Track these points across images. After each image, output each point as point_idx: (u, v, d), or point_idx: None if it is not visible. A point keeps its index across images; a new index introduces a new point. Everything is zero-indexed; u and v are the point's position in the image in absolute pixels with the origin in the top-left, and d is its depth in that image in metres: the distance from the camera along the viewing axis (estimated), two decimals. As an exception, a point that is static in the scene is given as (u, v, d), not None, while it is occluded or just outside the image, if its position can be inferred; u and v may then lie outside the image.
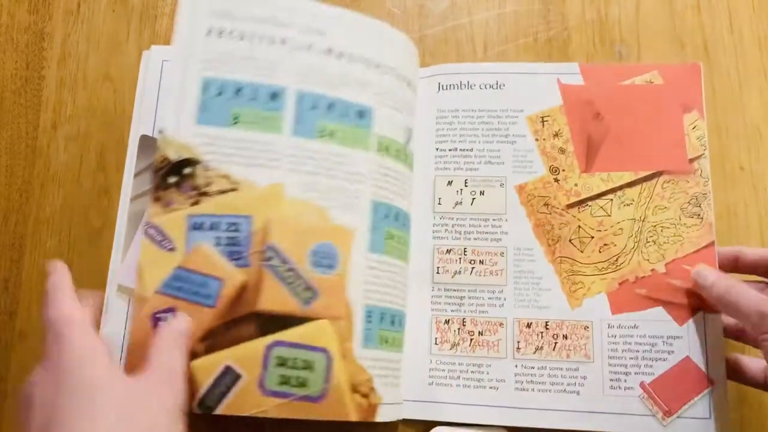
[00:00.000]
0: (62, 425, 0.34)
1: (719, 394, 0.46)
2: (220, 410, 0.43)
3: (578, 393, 0.47)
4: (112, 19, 0.59)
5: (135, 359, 0.42)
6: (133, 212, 0.54)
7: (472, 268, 0.51)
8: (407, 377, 0.49)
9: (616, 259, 0.50)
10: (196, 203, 0.45)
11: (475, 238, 0.51)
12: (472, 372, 0.49)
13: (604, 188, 0.51)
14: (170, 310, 0.44)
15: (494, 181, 0.52)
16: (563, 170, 0.52)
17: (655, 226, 0.50)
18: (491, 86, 0.55)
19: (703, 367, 0.47)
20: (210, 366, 0.43)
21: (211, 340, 0.44)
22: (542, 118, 0.53)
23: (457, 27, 0.59)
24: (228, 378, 0.43)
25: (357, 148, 0.48)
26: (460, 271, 0.51)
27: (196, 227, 0.45)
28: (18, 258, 0.55)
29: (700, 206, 0.50)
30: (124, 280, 0.52)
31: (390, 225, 0.49)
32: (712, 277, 0.45)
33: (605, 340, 0.48)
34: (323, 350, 0.44)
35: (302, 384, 0.43)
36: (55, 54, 0.59)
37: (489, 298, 0.50)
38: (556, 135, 0.53)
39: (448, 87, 0.55)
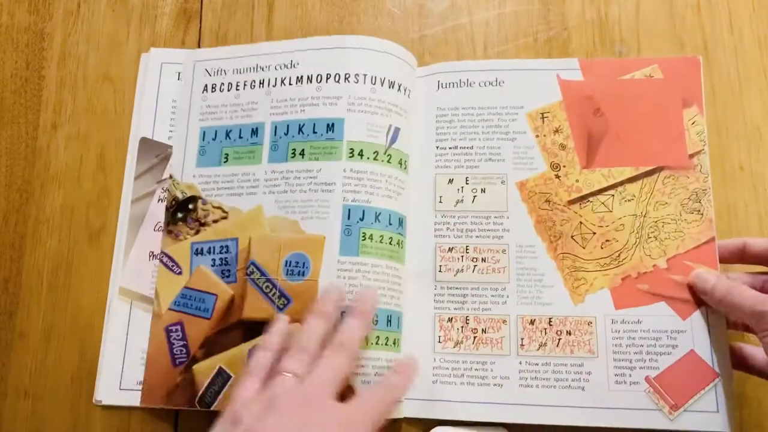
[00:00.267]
0: None
1: (725, 387, 0.48)
2: (215, 406, 0.50)
3: (583, 389, 0.49)
4: (112, 19, 0.61)
5: (154, 367, 0.52)
6: (133, 215, 0.56)
7: (475, 266, 0.52)
8: None
9: (618, 255, 0.51)
10: (197, 233, 0.55)
11: (476, 236, 0.53)
12: (476, 369, 0.50)
13: (605, 184, 0.52)
14: (179, 323, 0.53)
15: (495, 179, 0.54)
16: (564, 166, 0.53)
17: (656, 221, 0.52)
18: (491, 83, 0.56)
19: (708, 360, 0.48)
20: (207, 369, 0.51)
21: (208, 347, 0.52)
22: (542, 114, 0.55)
23: (457, 27, 0.60)
24: (221, 378, 0.51)
25: (326, 159, 0.54)
26: (462, 269, 0.52)
27: (198, 252, 0.54)
28: (18, 258, 0.56)
29: (700, 202, 0.52)
30: (126, 282, 0.54)
31: (367, 226, 0.51)
32: (712, 280, 0.47)
33: (609, 336, 0.50)
34: None
35: None
36: (55, 54, 0.60)
37: (492, 296, 0.51)
38: (556, 131, 0.54)
39: (448, 85, 0.56)
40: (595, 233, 0.52)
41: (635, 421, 0.48)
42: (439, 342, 0.51)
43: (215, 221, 0.54)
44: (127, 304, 0.54)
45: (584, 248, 0.51)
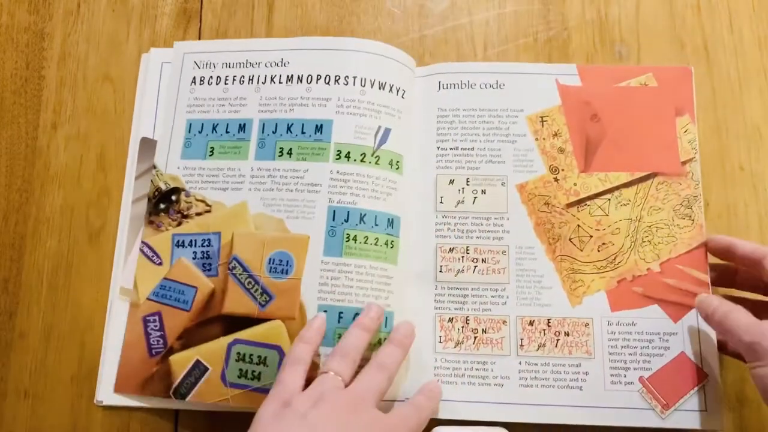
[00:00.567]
0: None
1: (713, 387, 0.51)
2: (190, 398, 0.53)
3: (581, 388, 0.52)
4: (112, 19, 0.63)
5: (130, 356, 0.54)
6: (134, 215, 0.58)
7: (475, 266, 0.55)
8: (413, 376, 0.53)
9: (614, 258, 0.54)
10: (179, 224, 0.57)
11: (477, 237, 0.55)
12: (476, 369, 0.53)
13: (601, 188, 0.55)
14: (157, 313, 0.55)
15: (495, 180, 0.56)
16: (563, 170, 0.56)
17: (650, 226, 0.55)
18: (491, 86, 0.59)
19: (697, 361, 0.52)
20: (184, 360, 0.54)
21: (186, 339, 0.54)
22: (542, 118, 0.57)
23: (457, 27, 0.62)
24: (198, 370, 0.53)
25: (314, 160, 0.56)
26: (462, 270, 0.55)
27: (179, 244, 0.56)
28: (18, 258, 0.58)
29: (691, 208, 0.55)
30: (126, 282, 0.56)
31: (351, 228, 0.54)
32: (714, 303, 0.49)
33: (605, 337, 0.53)
34: (276, 347, 0.53)
35: (257, 377, 0.53)
36: (55, 54, 0.62)
37: (492, 296, 0.54)
38: (555, 135, 0.57)
39: (449, 86, 0.59)
40: (592, 236, 0.55)
41: (629, 420, 0.51)
42: (440, 342, 0.54)
43: (198, 214, 0.57)
44: (127, 305, 0.56)
45: (582, 251, 0.54)
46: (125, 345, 0.54)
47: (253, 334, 0.53)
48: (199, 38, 0.63)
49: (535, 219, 0.55)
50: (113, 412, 0.55)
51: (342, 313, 0.53)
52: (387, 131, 0.57)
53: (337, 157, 0.56)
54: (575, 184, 0.56)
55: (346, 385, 0.47)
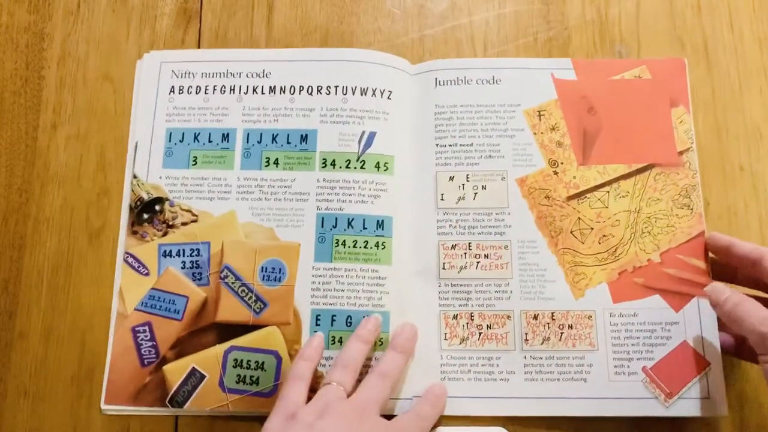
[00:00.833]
0: None
1: (715, 375, 0.53)
2: (187, 406, 0.55)
3: (585, 380, 0.54)
4: (112, 19, 0.65)
5: (119, 367, 0.56)
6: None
7: (478, 262, 0.57)
8: (419, 374, 0.55)
9: (615, 250, 0.57)
10: (165, 234, 0.59)
11: (479, 233, 0.58)
12: (482, 365, 0.55)
13: (600, 180, 0.58)
14: (147, 324, 0.57)
15: (495, 175, 0.59)
16: (562, 163, 0.59)
17: (649, 217, 0.57)
18: (488, 81, 0.61)
19: (699, 350, 0.54)
20: (178, 369, 0.56)
21: (179, 348, 0.57)
22: (539, 112, 0.60)
23: (456, 27, 0.65)
24: (194, 378, 0.56)
25: (301, 169, 0.60)
26: (465, 266, 0.57)
27: (166, 254, 0.58)
28: (18, 258, 0.60)
29: (690, 197, 0.57)
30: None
31: (340, 233, 0.57)
32: (726, 292, 0.50)
33: (608, 329, 0.55)
34: (273, 352, 0.56)
35: (255, 382, 0.55)
36: (55, 54, 0.64)
37: (495, 292, 0.56)
38: (553, 128, 0.60)
39: (445, 83, 0.61)
40: (592, 229, 0.57)
41: (634, 410, 0.53)
42: (445, 339, 0.56)
43: (184, 224, 0.59)
44: (126, 307, 0.58)
45: (583, 243, 0.57)
46: (113, 356, 0.57)
47: (250, 340, 0.56)
48: (199, 38, 0.65)
49: (536, 213, 0.58)
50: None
51: (335, 316, 0.56)
52: (372, 135, 0.59)
53: (323, 165, 0.59)
54: (574, 177, 0.58)
55: (349, 395, 0.49)
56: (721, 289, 0.51)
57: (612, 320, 0.55)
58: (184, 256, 0.58)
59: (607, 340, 0.55)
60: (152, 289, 0.58)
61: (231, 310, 0.57)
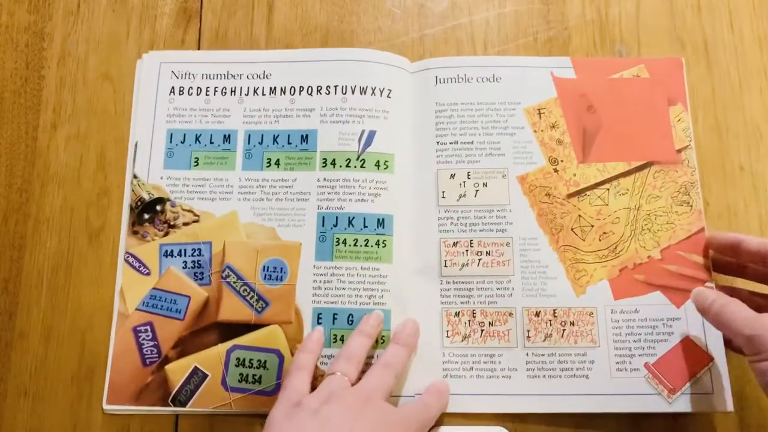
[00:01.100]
0: None
1: (719, 370, 0.55)
2: (190, 405, 0.57)
3: (587, 377, 0.56)
4: (112, 19, 0.67)
5: (120, 366, 0.57)
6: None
7: (479, 259, 0.59)
8: (421, 371, 0.57)
9: (615, 247, 0.58)
10: (166, 234, 0.61)
11: (480, 230, 0.59)
12: (484, 362, 0.57)
13: (600, 178, 0.60)
14: (149, 323, 0.58)
15: (496, 173, 0.60)
16: (562, 161, 0.60)
17: (649, 214, 0.59)
18: (488, 79, 0.63)
19: (702, 345, 0.56)
20: (180, 368, 0.58)
21: (182, 347, 0.58)
22: (539, 110, 0.62)
23: (457, 27, 0.66)
24: (196, 378, 0.57)
25: (302, 169, 0.62)
26: (467, 263, 0.59)
27: (167, 254, 0.60)
28: (18, 258, 0.61)
29: (689, 194, 0.59)
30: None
31: (340, 231, 0.59)
32: (711, 297, 0.51)
33: (609, 325, 0.57)
34: (275, 351, 0.58)
35: (258, 380, 0.57)
36: (55, 54, 0.66)
37: (497, 289, 0.58)
38: (553, 126, 0.61)
39: (446, 80, 0.63)
40: (593, 226, 0.59)
41: (637, 406, 0.55)
42: (447, 336, 0.57)
43: (186, 224, 0.61)
44: (126, 307, 0.59)
45: (584, 240, 0.59)
46: (115, 356, 0.58)
47: (252, 339, 0.58)
48: (199, 38, 0.67)
49: (537, 210, 0.60)
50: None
51: (336, 314, 0.58)
52: (371, 134, 0.61)
53: (323, 164, 0.61)
54: (575, 175, 0.60)
55: (353, 386, 0.51)
56: (705, 294, 0.52)
57: (613, 317, 0.57)
58: (185, 255, 0.60)
59: (608, 337, 0.56)
60: (153, 288, 0.59)
61: (233, 309, 0.59)
